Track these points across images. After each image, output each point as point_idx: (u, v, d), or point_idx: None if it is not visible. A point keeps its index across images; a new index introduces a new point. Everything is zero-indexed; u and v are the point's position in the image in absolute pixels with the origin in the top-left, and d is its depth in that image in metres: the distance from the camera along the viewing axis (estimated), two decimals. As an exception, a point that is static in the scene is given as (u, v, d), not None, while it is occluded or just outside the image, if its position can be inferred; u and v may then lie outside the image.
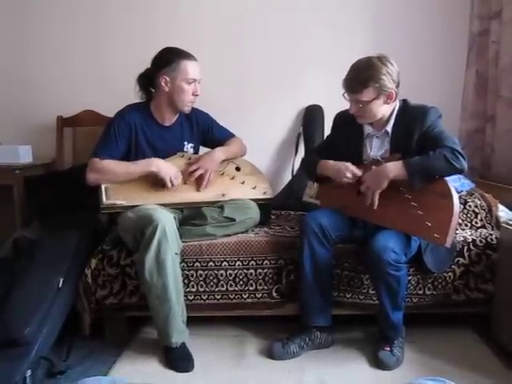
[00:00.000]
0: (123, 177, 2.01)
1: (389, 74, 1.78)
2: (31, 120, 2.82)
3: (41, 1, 2.76)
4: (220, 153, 2.18)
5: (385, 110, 1.86)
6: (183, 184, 2.10)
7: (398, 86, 1.83)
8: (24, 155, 2.61)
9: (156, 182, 2.04)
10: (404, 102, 1.90)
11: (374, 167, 1.83)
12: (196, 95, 2.09)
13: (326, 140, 2.18)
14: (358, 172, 1.87)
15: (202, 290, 1.99)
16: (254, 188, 2.23)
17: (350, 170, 1.87)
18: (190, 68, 2.04)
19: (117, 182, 2.01)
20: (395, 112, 1.89)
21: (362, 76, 1.79)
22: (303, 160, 2.22)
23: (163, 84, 2.04)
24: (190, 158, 2.15)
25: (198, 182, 2.12)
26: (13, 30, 2.79)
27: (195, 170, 2.10)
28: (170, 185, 2.01)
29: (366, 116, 1.87)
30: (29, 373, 1.58)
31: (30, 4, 2.77)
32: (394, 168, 1.76)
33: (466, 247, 1.98)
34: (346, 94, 1.85)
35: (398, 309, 1.83)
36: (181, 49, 2.07)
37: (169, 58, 2.04)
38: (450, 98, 2.71)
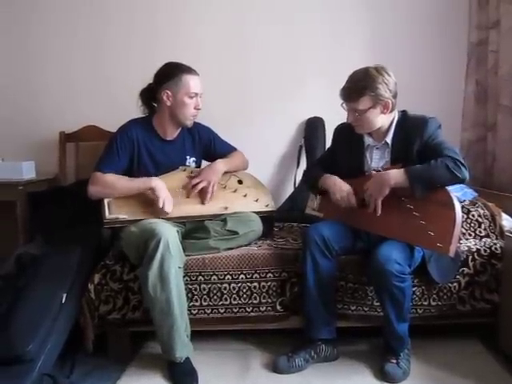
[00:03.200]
0: (123, 191, 2.01)
1: (385, 83, 1.80)
2: (34, 136, 2.84)
3: (41, 16, 2.80)
4: (221, 164, 2.19)
5: (383, 120, 1.87)
6: (186, 198, 2.10)
7: (395, 97, 1.85)
8: (27, 171, 2.62)
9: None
10: (403, 113, 1.91)
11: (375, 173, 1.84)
12: (198, 109, 2.10)
13: (327, 152, 2.19)
14: (353, 201, 1.89)
15: (205, 303, 1.98)
16: (256, 201, 2.24)
17: (346, 192, 1.90)
18: (192, 82, 2.06)
19: (117, 196, 2.01)
20: (394, 123, 1.90)
21: (359, 85, 1.81)
22: (305, 172, 2.23)
23: (165, 98, 2.06)
24: (192, 172, 2.16)
25: (202, 195, 2.12)
26: (13, 46, 2.82)
27: (198, 183, 2.11)
28: (161, 205, 1.98)
29: (364, 125, 1.88)
30: (32, 390, 1.57)
31: (30, 19, 2.80)
32: (396, 175, 1.76)
33: (470, 257, 1.98)
34: (344, 104, 1.87)
35: (404, 320, 1.82)
36: (182, 63, 2.09)
37: (171, 73, 2.06)
38: (450, 108, 2.72)
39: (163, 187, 2.01)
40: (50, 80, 2.84)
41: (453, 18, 2.78)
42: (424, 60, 2.79)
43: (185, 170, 2.15)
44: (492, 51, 2.60)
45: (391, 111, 1.86)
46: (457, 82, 2.79)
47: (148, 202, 2.02)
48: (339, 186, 1.94)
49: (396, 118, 1.90)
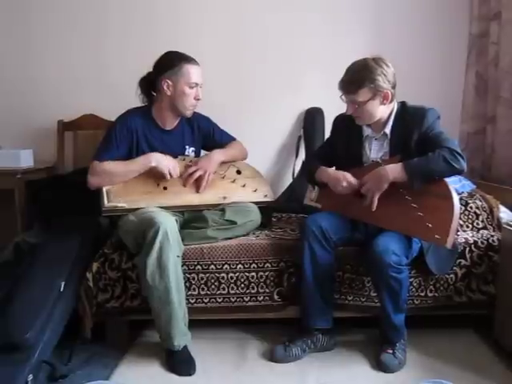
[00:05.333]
0: (124, 176, 2.01)
1: (384, 74, 1.79)
2: (32, 124, 2.83)
3: (41, 5, 2.77)
4: (219, 154, 2.19)
5: (382, 111, 1.86)
6: (183, 187, 2.10)
7: (394, 88, 1.84)
8: (25, 159, 2.61)
9: (157, 184, 2.05)
10: (402, 104, 1.91)
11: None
12: (198, 99, 2.09)
13: (326, 142, 2.19)
14: (355, 182, 1.87)
15: (203, 293, 1.99)
16: (254, 191, 2.24)
17: (346, 180, 1.88)
18: (193, 72, 2.04)
19: (118, 182, 2.01)
20: (393, 114, 1.89)
21: (357, 77, 1.80)
22: (304, 163, 2.22)
23: (165, 88, 2.04)
24: (190, 162, 2.15)
25: (198, 184, 2.12)
26: (13, 34, 2.80)
27: (194, 172, 2.11)
28: (168, 177, 2.01)
29: (364, 117, 1.87)
30: (30, 377, 1.58)
31: (30, 8, 2.78)
32: (394, 170, 1.76)
33: (467, 249, 1.98)
34: (343, 96, 1.86)
35: (400, 311, 1.83)
36: (183, 53, 2.07)
37: (171, 62, 2.04)
38: (450, 100, 2.72)
39: (163, 158, 2.03)
40: (49, 68, 2.83)
41: (454, 9, 2.76)
42: (424, 51, 2.77)
43: (184, 160, 2.15)
44: (493, 43, 2.59)
45: (391, 102, 1.86)
46: (457, 74, 2.78)
47: (147, 191, 2.03)
48: (335, 177, 1.93)
49: (395, 109, 1.90)
